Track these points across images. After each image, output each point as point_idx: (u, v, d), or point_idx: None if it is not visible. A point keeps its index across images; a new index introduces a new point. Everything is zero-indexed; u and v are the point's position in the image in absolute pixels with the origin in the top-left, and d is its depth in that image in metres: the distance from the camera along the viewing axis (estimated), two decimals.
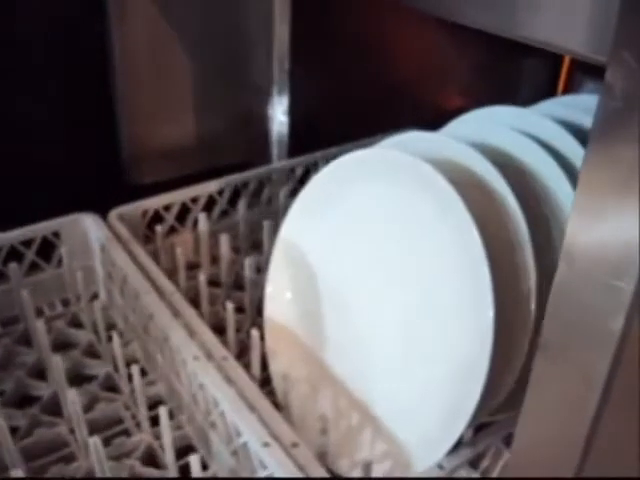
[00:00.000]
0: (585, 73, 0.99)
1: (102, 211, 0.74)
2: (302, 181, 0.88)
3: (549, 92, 1.01)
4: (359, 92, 0.95)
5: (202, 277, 0.68)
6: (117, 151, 0.85)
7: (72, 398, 0.53)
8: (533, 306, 0.50)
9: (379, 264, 0.56)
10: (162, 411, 0.52)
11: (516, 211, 0.50)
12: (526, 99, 0.72)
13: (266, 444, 0.47)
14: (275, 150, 0.92)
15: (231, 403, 0.51)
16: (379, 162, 0.54)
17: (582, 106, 0.62)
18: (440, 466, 0.48)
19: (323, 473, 0.47)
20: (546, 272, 0.50)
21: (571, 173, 0.54)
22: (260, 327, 0.65)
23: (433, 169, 0.49)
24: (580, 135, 0.56)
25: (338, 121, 0.92)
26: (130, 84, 0.82)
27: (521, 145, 0.54)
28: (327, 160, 0.89)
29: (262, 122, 0.91)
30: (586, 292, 0.30)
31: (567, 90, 1.01)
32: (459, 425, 0.47)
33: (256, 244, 0.84)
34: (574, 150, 0.55)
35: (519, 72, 1.04)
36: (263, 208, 0.85)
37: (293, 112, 0.89)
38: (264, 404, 0.52)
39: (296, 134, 0.91)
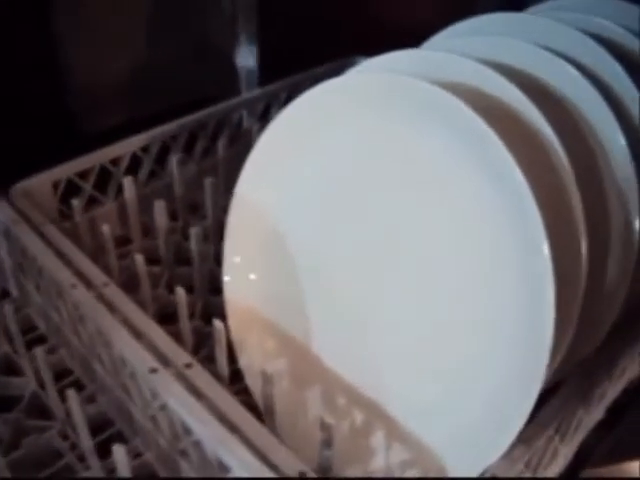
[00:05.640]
0: None
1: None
2: (239, 127, 0.75)
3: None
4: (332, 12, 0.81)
5: (139, 257, 0.55)
6: (63, 96, 0.71)
7: None
8: (584, 248, 0.39)
9: (376, 225, 0.44)
10: (117, 450, 0.39)
11: (554, 141, 0.39)
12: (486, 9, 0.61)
13: None
14: (243, 82, 0.78)
15: (210, 430, 0.38)
16: (369, 90, 0.42)
17: (582, 9, 0.52)
18: (494, 478, 0.37)
19: None
20: (594, 211, 0.40)
21: (607, 94, 0.43)
22: (215, 308, 0.53)
23: (451, 95, 0.37)
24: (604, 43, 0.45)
25: (314, 49, 0.79)
26: (70, 14, 0.68)
27: (541, 60, 0.43)
28: (272, 98, 0.76)
29: (227, 51, 0.76)
30: None
31: None
32: (517, 419, 0.37)
33: (194, 206, 0.70)
34: (604, 61, 0.44)
35: None
36: (198, 162, 0.71)
37: (262, 38, 0.75)
38: (250, 423, 0.40)
39: (267, 63, 0.77)
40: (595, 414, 0.48)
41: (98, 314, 0.46)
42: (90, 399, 0.52)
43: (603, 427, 0.51)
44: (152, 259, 0.63)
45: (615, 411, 0.52)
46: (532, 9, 0.57)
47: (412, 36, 0.53)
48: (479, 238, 0.39)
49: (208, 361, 0.51)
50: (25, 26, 0.68)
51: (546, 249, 0.35)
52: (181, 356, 0.44)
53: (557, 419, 0.41)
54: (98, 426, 0.50)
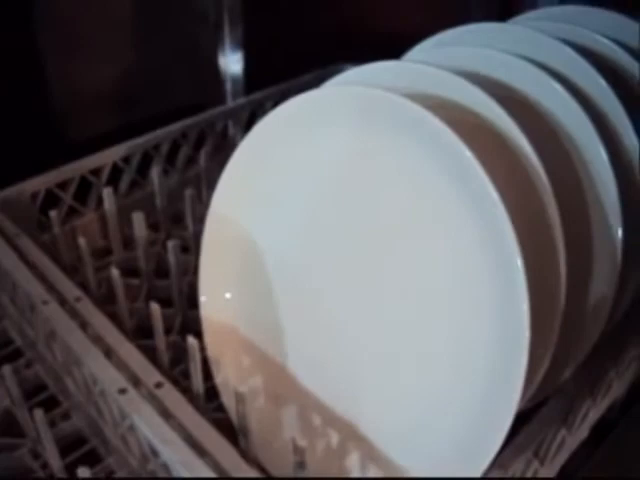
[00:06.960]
0: None
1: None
2: (225, 136, 0.74)
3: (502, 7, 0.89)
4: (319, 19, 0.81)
5: (115, 272, 0.54)
6: (45, 102, 0.70)
7: None
8: (562, 262, 0.38)
9: (354, 242, 0.43)
10: (83, 473, 0.38)
11: (530, 154, 0.38)
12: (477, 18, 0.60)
13: None
14: (229, 90, 0.78)
15: (175, 453, 0.37)
16: (343, 104, 0.41)
17: (569, 19, 0.51)
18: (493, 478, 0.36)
19: None
20: (575, 225, 0.39)
21: (584, 102, 0.42)
22: (194, 322, 0.52)
23: (421, 108, 0.36)
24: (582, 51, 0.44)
25: (300, 56, 0.78)
26: (56, 22, 0.68)
27: (521, 72, 0.42)
28: (257, 107, 0.75)
29: (212, 57, 0.76)
30: None
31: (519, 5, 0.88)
32: (492, 444, 0.35)
33: (177, 216, 0.69)
34: (586, 74, 0.43)
35: None
36: (181, 172, 0.70)
37: (248, 45, 0.75)
38: (219, 444, 0.39)
39: (253, 70, 0.77)
40: (578, 434, 0.47)
41: (68, 331, 0.45)
42: (65, 415, 0.51)
43: (588, 446, 0.49)
44: (133, 271, 0.63)
45: (601, 429, 0.51)
46: (518, 18, 0.56)
47: (400, 43, 0.52)
48: (453, 255, 0.38)
49: (185, 377, 0.50)
50: (10, 35, 0.67)
51: (520, 263, 0.34)
52: (152, 375, 0.43)
53: (536, 441, 0.40)
54: (74, 442, 0.50)
